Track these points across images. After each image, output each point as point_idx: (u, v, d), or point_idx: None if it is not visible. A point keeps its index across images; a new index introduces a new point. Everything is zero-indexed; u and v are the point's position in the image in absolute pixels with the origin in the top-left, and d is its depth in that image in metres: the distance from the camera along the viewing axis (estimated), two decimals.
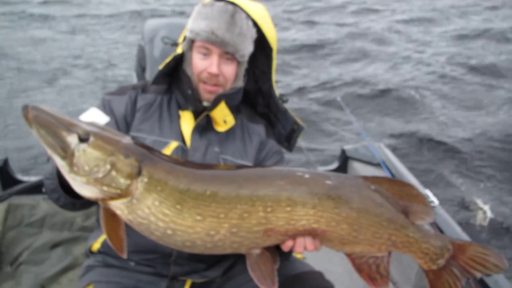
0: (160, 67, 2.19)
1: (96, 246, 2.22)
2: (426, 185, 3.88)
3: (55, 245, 2.98)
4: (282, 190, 1.65)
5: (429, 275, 1.78)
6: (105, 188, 1.55)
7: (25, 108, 1.52)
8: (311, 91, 9.36)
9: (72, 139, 1.53)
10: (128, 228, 1.79)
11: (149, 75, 3.47)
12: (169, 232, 1.62)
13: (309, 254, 2.86)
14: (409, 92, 9.27)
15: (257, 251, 1.73)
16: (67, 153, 1.52)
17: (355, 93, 9.32)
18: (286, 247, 1.74)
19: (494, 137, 7.53)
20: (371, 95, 9.22)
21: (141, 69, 3.61)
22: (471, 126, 7.97)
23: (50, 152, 1.54)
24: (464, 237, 3.15)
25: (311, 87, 9.56)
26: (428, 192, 3.59)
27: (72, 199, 1.89)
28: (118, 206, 1.60)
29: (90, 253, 2.27)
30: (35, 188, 3.75)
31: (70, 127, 1.53)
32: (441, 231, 3.15)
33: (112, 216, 1.63)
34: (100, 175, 1.54)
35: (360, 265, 1.75)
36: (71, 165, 1.53)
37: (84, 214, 3.19)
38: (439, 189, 6.07)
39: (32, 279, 2.72)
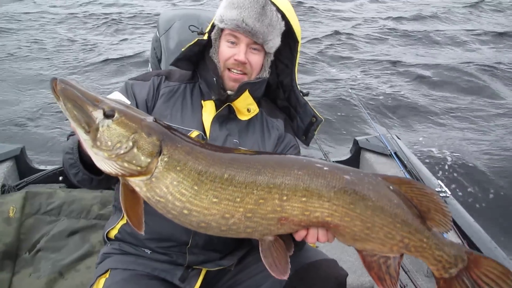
0: (183, 49, 2.23)
1: (114, 232, 2.26)
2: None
3: (72, 233, 3.02)
4: (299, 180, 1.65)
5: (440, 282, 1.75)
6: (125, 165, 1.58)
7: (54, 81, 1.55)
8: (323, 82, 9.37)
9: (97, 114, 1.55)
10: (145, 214, 1.84)
11: (165, 66, 3.50)
12: (185, 212, 1.64)
13: (322, 243, 2.90)
14: None
15: (270, 238, 1.74)
16: (91, 128, 1.55)
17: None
18: (299, 236, 1.75)
19: None
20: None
21: (156, 60, 3.63)
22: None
23: (74, 125, 1.57)
24: (476, 227, 3.16)
25: (322, 79, 9.57)
26: (440, 183, 3.60)
27: (90, 175, 1.92)
28: (137, 183, 1.63)
29: (107, 239, 2.32)
30: (52, 177, 3.84)
31: (96, 103, 1.56)
32: (454, 222, 3.17)
33: (131, 193, 1.65)
34: (122, 151, 1.56)
35: (370, 263, 1.73)
36: (94, 139, 1.56)
37: (101, 203, 3.23)
38: None
39: (50, 266, 2.76)
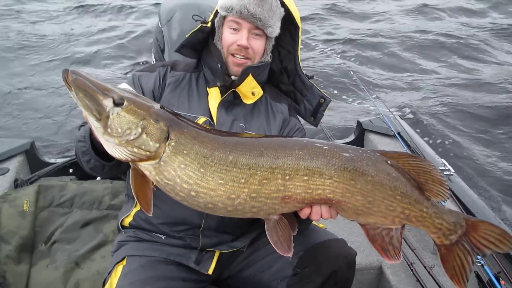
0: (187, 35, 2.30)
1: (128, 220, 2.33)
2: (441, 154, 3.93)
3: (85, 224, 3.07)
4: (301, 160, 1.71)
5: (442, 249, 1.82)
6: (135, 150, 1.64)
7: (65, 72, 1.61)
8: (325, 64, 9.37)
9: (107, 103, 1.62)
10: (158, 199, 1.90)
11: (168, 57, 3.54)
12: (192, 193, 1.71)
13: (330, 225, 2.96)
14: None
15: (275, 217, 1.81)
16: (102, 116, 1.62)
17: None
18: (303, 214, 1.82)
19: None
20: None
21: (160, 50, 3.66)
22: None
23: (86, 113, 1.63)
24: (480, 204, 3.21)
25: (324, 61, 9.57)
26: (444, 161, 3.65)
27: (102, 161, 1.99)
28: (146, 167, 1.70)
29: (121, 228, 2.38)
30: (62, 170, 3.89)
31: (106, 92, 1.63)
32: (458, 199, 3.22)
33: (140, 176, 1.73)
34: (131, 137, 1.63)
35: (374, 236, 1.80)
36: (105, 127, 1.62)
37: (112, 194, 3.27)
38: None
39: (66, 256, 2.82)
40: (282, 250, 1.80)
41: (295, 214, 1.85)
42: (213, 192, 1.70)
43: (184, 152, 1.68)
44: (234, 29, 2.21)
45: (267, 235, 1.82)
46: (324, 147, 1.75)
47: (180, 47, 2.35)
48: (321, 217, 1.81)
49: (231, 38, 2.22)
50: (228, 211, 1.76)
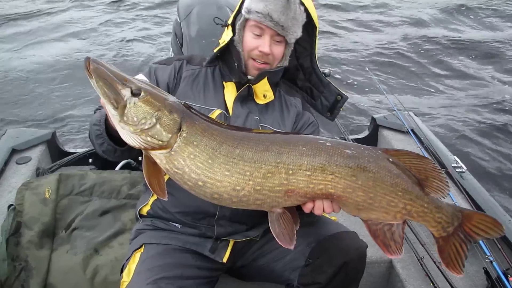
0: (215, 50, 2.37)
1: (146, 208, 2.41)
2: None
3: (104, 212, 3.13)
4: (304, 155, 1.77)
5: (439, 241, 1.88)
6: (148, 139, 1.72)
7: (87, 60, 1.69)
8: (340, 60, 9.37)
9: (125, 92, 1.70)
10: (173, 188, 1.98)
11: (186, 51, 3.58)
12: (200, 183, 1.78)
13: (342, 218, 3.01)
14: None
15: (278, 210, 1.87)
16: (119, 104, 1.69)
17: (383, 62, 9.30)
18: (306, 208, 1.88)
19: None
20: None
21: (178, 44, 3.71)
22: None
23: (104, 101, 1.71)
24: (491, 201, 3.23)
25: (340, 57, 9.56)
26: (456, 158, 3.68)
27: (114, 146, 2.07)
28: (157, 156, 1.78)
29: (139, 216, 2.46)
30: (82, 159, 3.97)
31: (124, 82, 1.71)
32: (469, 196, 3.25)
33: (152, 164, 1.81)
34: (146, 126, 1.71)
35: (376, 231, 1.85)
36: (121, 115, 1.70)
37: (130, 183, 3.34)
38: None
39: (85, 243, 2.88)
40: (284, 242, 1.86)
41: (299, 208, 1.92)
42: (219, 183, 1.77)
43: (194, 143, 1.75)
44: (257, 35, 2.26)
45: (270, 227, 1.88)
46: (327, 144, 1.80)
47: (210, 62, 2.43)
48: (323, 211, 1.87)
49: (253, 43, 2.26)
50: (233, 202, 1.83)
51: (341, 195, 1.80)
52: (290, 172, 1.77)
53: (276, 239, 1.87)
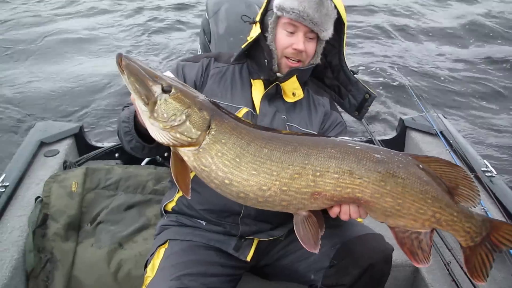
0: (243, 46, 2.37)
1: (171, 205, 2.41)
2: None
3: (129, 207, 3.16)
4: (332, 158, 1.75)
5: (466, 251, 1.84)
6: (178, 136, 1.73)
7: (119, 56, 1.72)
8: (369, 59, 9.28)
9: (156, 89, 1.71)
10: (199, 185, 1.97)
11: (214, 48, 3.59)
12: (226, 181, 1.77)
13: (368, 220, 2.97)
14: None
15: (304, 213, 1.86)
16: (150, 100, 1.71)
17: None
18: (333, 213, 1.86)
19: None
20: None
21: (206, 41, 3.72)
22: None
23: (135, 97, 1.73)
24: None
25: (369, 56, 9.48)
26: (486, 162, 3.60)
27: (143, 143, 2.08)
28: (185, 153, 1.78)
29: (164, 212, 2.47)
30: (109, 154, 4.02)
31: (155, 78, 1.72)
32: (499, 201, 3.18)
33: (180, 161, 1.81)
34: (176, 123, 1.72)
35: (403, 239, 1.82)
36: (152, 111, 1.71)
37: (155, 179, 3.36)
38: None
39: (110, 237, 2.91)
40: (309, 245, 1.85)
41: (325, 212, 1.89)
42: (245, 182, 1.76)
43: (223, 141, 1.75)
44: (290, 32, 2.24)
45: (295, 230, 1.87)
46: (356, 147, 1.78)
47: (237, 58, 2.42)
48: (349, 216, 1.84)
49: (287, 41, 2.25)
50: (259, 202, 1.82)
51: (368, 200, 1.77)
52: (318, 174, 1.76)
53: (301, 242, 1.85)
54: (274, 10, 2.26)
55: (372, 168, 1.74)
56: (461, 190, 1.78)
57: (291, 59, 2.28)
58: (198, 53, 3.88)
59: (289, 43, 2.24)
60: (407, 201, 1.75)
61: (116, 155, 4.03)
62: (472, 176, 1.81)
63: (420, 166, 1.77)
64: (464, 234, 1.81)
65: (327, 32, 2.27)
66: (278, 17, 2.27)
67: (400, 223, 1.81)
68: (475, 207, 1.80)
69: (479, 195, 1.79)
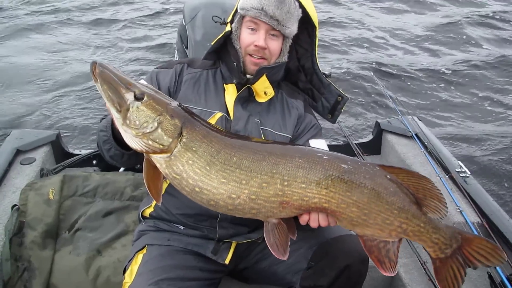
0: (212, 43, 2.37)
1: (149, 210, 2.42)
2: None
3: (107, 213, 3.14)
4: (300, 168, 1.78)
5: (436, 262, 1.85)
6: (150, 142, 1.74)
7: (93, 64, 1.73)
8: (345, 65, 9.36)
9: (129, 96, 1.73)
10: (175, 190, 1.96)
11: (191, 54, 3.59)
12: (197, 189, 1.79)
13: None
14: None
15: (274, 221, 1.88)
16: (122, 108, 1.73)
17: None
18: (302, 220, 1.88)
19: None
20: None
21: (183, 47, 3.72)
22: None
23: (108, 104, 1.75)
24: (495, 206, 3.21)
25: (343, 60, 9.56)
26: (460, 163, 3.67)
27: (121, 150, 2.10)
28: (158, 160, 1.80)
29: (142, 218, 2.47)
30: (86, 161, 3.98)
31: (129, 86, 1.74)
32: (474, 201, 3.23)
33: (153, 168, 1.83)
34: (147, 130, 1.73)
35: (371, 247, 1.84)
36: (124, 118, 1.73)
37: (133, 185, 3.34)
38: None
39: (88, 244, 2.89)
40: (278, 253, 1.87)
41: (297, 219, 1.91)
42: (215, 190, 1.78)
43: (193, 149, 1.77)
44: (252, 29, 2.28)
45: (265, 237, 1.89)
46: (324, 157, 1.80)
47: (206, 56, 2.43)
48: (319, 224, 1.86)
49: (249, 39, 2.29)
50: (229, 210, 1.84)
51: (335, 210, 1.79)
52: (285, 183, 1.78)
53: (270, 249, 1.88)
54: (238, 10, 2.31)
55: (338, 178, 1.76)
56: (428, 201, 1.79)
57: (254, 56, 2.30)
58: (175, 59, 3.87)
59: (251, 41, 2.28)
60: (373, 211, 1.77)
61: (94, 162, 4.00)
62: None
63: (388, 176, 1.79)
64: (432, 245, 1.82)
65: (291, 30, 2.31)
66: (242, 17, 2.31)
67: (367, 232, 1.82)
68: (442, 218, 1.81)
69: (447, 207, 1.81)
